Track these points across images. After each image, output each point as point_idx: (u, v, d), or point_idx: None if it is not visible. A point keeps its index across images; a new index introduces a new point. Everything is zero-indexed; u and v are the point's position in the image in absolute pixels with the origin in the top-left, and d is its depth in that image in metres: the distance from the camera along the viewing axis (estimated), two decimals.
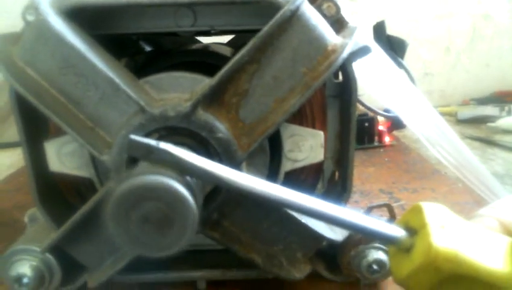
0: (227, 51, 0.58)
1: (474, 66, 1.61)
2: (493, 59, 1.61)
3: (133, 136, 0.29)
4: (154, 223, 0.29)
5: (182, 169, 0.29)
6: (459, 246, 0.29)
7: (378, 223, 0.31)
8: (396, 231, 0.31)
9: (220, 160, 0.38)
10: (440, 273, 0.29)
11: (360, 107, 0.80)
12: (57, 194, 0.46)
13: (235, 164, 0.38)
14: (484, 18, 1.57)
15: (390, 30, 0.81)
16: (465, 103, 1.56)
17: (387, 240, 0.32)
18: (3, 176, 0.89)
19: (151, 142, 0.29)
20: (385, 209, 0.46)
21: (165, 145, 0.29)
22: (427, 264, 0.29)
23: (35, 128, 0.42)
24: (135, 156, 0.29)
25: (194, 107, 0.37)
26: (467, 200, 0.69)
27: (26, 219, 0.50)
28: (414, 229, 0.31)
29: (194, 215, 0.29)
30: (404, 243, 0.31)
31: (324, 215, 0.31)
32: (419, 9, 1.55)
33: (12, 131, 0.54)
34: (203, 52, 0.54)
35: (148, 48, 0.61)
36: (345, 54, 0.39)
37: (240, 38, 0.61)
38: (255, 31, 0.39)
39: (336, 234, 0.45)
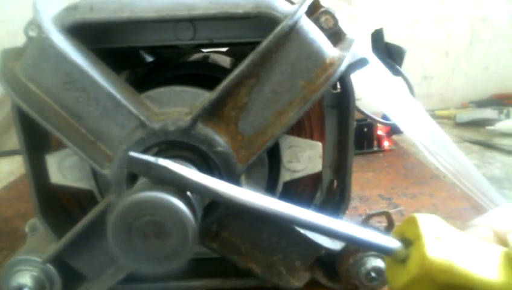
0: (226, 61, 0.58)
1: (473, 69, 1.62)
2: (492, 62, 1.62)
3: (132, 153, 0.29)
4: (154, 239, 0.29)
5: (180, 185, 0.29)
6: (453, 257, 0.29)
7: (373, 235, 0.32)
8: (392, 243, 0.31)
9: (220, 173, 0.38)
10: (435, 284, 0.29)
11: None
12: (57, 204, 0.46)
13: (234, 177, 0.39)
14: (482, 21, 1.58)
15: (389, 34, 0.81)
16: (464, 106, 1.57)
17: (383, 251, 0.32)
18: (4, 183, 0.90)
19: (150, 158, 0.29)
20: (384, 216, 0.46)
21: (163, 162, 0.29)
22: (422, 276, 0.29)
23: (36, 140, 0.43)
24: (134, 172, 0.30)
25: (194, 121, 0.38)
26: (466, 205, 0.69)
27: (26, 229, 0.51)
28: (409, 240, 0.31)
29: (193, 230, 0.29)
30: (400, 254, 0.31)
31: (321, 228, 0.31)
32: (418, 13, 1.55)
33: (15, 139, 0.55)
34: (202, 64, 0.55)
35: (148, 58, 0.61)
36: (343, 66, 0.39)
37: (239, 47, 0.62)
38: (253, 43, 0.40)
39: (335, 243, 0.46)
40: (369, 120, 0.94)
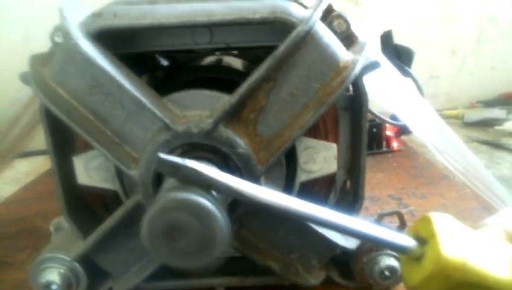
0: (238, 64, 0.59)
1: (480, 68, 1.62)
2: (499, 61, 1.62)
3: (162, 155, 0.31)
4: (188, 238, 0.31)
5: (207, 185, 0.31)
6: (467, 255, 0.30)
7: (389, 233, 0.33)
8: (407, 241, 0.33)
9: (241, 174, 0.40)
10: (449, 281, 0.30)
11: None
12: (83, 204, 0.48)
13: (254, 177, 0.40)
14: (489, 20, 1.58)
15: (396, 34, 0.81)
16: (471, 106, 1.56)
17: (398, 250, 0.33)
18: (22, 184, 0.92)
19: (178, 160, 0.31)
20: (395, 216, 0.47)
21: (191, 163, 0.31)
22: (436, 273, 0.30)
23: (62, 142, 0.44)
24: (163, 173, 0.31)
25: (216, 124, 0.39)
26: (476, 206, 0.70)
27: (51, 228, 0.52)
28: (424, 239, 0.32)
29: (225, 228, 0.31)
30: (415, 252, 0.32)
31: (338, 226, 0.32)
32: (425, 13, 1.56)
33: (36, 141, 0.57)
34: (218, 67, 0.56)
35: (164, 62, 0.63)
36: (357, 70, 0.41)
37: (251, 50, 0.63)
38: (267, 47, 0.41)
39: (349, 242, 0.47)
40: (378, 120, 0.95)
